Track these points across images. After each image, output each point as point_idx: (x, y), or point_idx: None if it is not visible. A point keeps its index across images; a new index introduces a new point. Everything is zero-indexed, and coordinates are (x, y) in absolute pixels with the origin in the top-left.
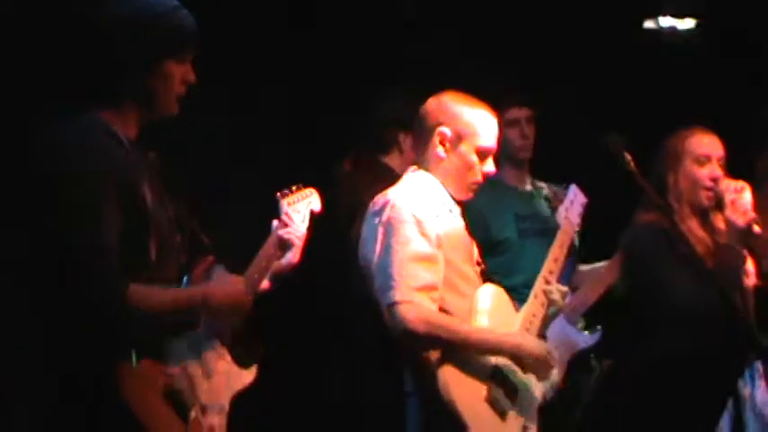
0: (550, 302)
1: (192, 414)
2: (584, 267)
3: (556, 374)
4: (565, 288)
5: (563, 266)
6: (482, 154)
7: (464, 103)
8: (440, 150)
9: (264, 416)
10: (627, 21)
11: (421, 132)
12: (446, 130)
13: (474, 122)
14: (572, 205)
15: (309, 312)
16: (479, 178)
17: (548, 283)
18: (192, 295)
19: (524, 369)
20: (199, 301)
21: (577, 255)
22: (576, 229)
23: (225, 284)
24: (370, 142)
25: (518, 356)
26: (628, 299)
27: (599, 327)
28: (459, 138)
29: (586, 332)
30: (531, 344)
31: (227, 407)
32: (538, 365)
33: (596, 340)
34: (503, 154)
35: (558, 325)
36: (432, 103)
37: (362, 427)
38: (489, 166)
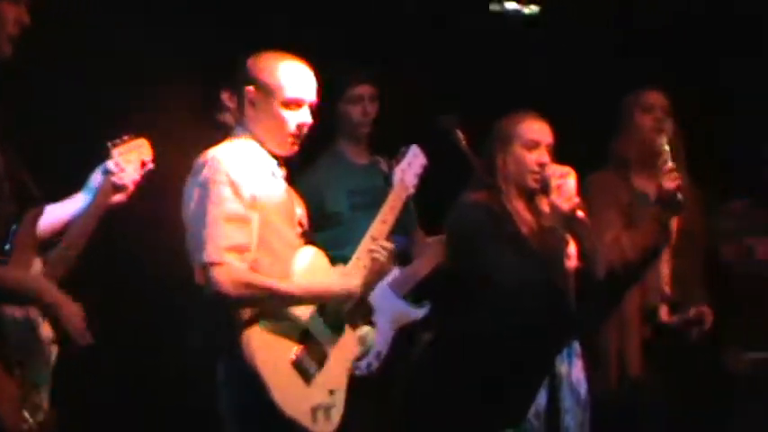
0: (374, 262)
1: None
2: (431, 239)
3: (383, 344)
4: (390, 245)
5: (392, 228)
6: (291, 105)
7: (271, 59)
8: (250, 108)
9: (92, 380)
10: (473, 3)
11: (237, 92)
12: (252, 87)
13: (279, 75)
14: (409, 167)
15: (140, 272)
16: (293, 130)
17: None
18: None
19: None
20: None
21: (413, 226)
22: (411, 191)
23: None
24: (204, 101)
25: (330, 300)
26: (454, 274)
27: (427, 301)
28: (266, 93)
29: (415, 305)
30: (334, 287)
31: None
32: (347, 304)
33: (425, 314)
34: (342, 129)
35: (388, 297)
36: (243, 63)
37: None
38: (303, 117)
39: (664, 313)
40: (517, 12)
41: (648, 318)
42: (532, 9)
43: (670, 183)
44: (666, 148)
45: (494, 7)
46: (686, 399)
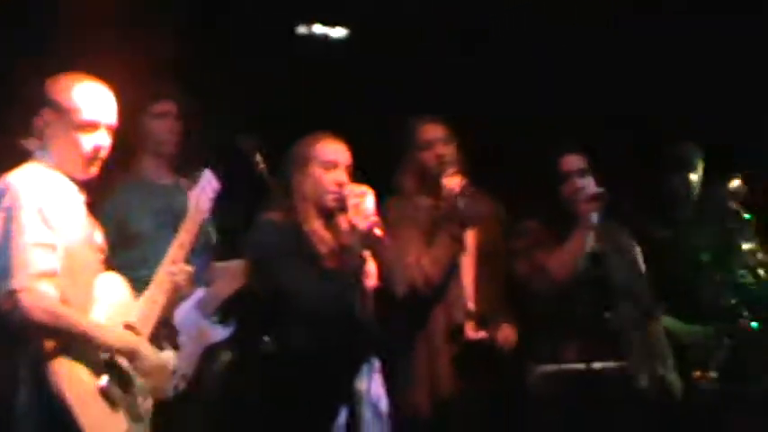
0: (174, 286)
1: None
2: (220, 264)
3: (188, 365)
4: (189, 268)
5: (189, 252)
6: (87, 127)
7: (67, 81)
8: (47, 131)
9: None
10: (280, 26)
11: (35, 115)
12: (48, 110)
13: (74, 97)
14: (203, 191)
15: None
16: (89, 153)
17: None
18: None
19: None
20: None
21: (212, 248)
22: (205, 215)
23: None
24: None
25: (133, 360)
26: (254, 294)
27: (232, 321)
28: (61, 115)
29: (220, 325)
30: (148, 352)
31: None
32: (152, 372)
33: (229, 334)
34: (146, 146)
35: (193, 317)
36: (39, 87)
37: None
38: (99, 140)
39: (469, 330)
40: (325, 35)
41: (454, 335)
42: (340, 32)
43: (448, 195)
44: (450, 177)
45: (301, 30)
46: (494, 413)
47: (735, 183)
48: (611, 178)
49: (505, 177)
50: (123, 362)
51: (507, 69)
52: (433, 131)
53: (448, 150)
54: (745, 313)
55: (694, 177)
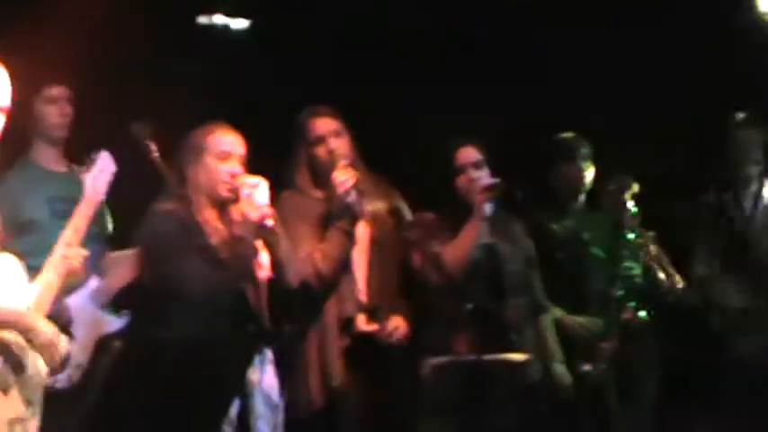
0: (69, 269)
1: None
2: (114, 254)
3: (82, 355)
4: (84, 251)
5: (85, 235)
6: None
7: None
8: None
9: None
10: (181, 16)
11: None
12: None
13: None
14: (100, 173)
15: None
16: None
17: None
18: None
19: (33, 347)
20: None
21: (107, 237)
22: (101, 198)
23: None
24: None
25: (27, 336)
26: (148, 285)
27: (126, 311)
28: None
29: (114, 315)
30: (43, 327)
31: None
32: (45, 348)
33: (124, 323)
34: (38, 131)
35: (87, 307)
36: None
37: None
38: None
39: (361, 322)
40: (226, 25)
41: (346, 327)
42: (241, 23)
43: (340, 190)
44: (342, 170)
45: (202, 20)
46: (386, 405)
47: (623, 176)
48: (505, 170)
49: (400, 169)
50: (14, 344)
51: (404, 61)
52: (325, 125)
53: (340, 144)
54: (633, 304)
55: (585, 169)
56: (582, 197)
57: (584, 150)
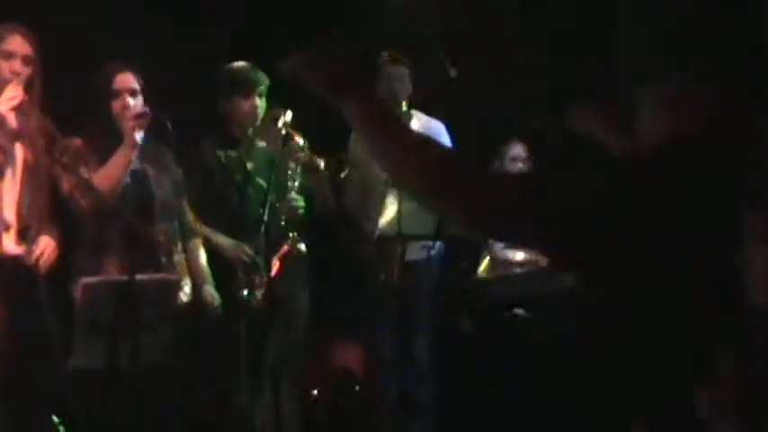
0: None
1: None
2: None
3: None
4: None
5: None
6: None
7: None
8: None
9: None
10: None
11: None
12: None
13: None
14: None
15: None
16: None
17: None
18: None
19: None
20: None
21: None
22: None
23: None
24: None
25: None
26: None
27: None
28: None
29: None
30: None
31: None
32: None
33: None
34: None
35: None
36: None
37: None
38: None
39: (7, 243)
40: None
41: None
42: None
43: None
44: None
45: None
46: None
47: (276, 107)
48: (172, 98)
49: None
50: None
51: None
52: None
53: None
54: (295, 235)
55: (257, 103)
56: (251, 129)
57: (259, 84)
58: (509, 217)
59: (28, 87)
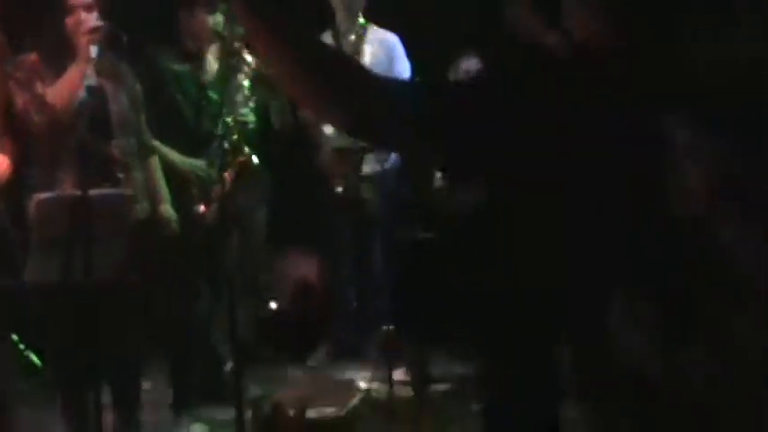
0: None
1: None
2: None
3: None
4: None
5: None
6: None
7: None
8: None
9: None
10: None
11: None
12: None
13: None
14: None
15: None
16: None
17: None
18: None
19: None
20: None
21: None
22: None
23: None
24: None
25: None
26: None
27: None
28: None
29: None
30: None
31: None
32: None
33: None
34: None
35: None
36: None
37: None
38: None
39: None
40: None
41: None
42: None
43: None
44: None
45: None
46: None
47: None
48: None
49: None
50: None
51: None
52: None
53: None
54: (247, 149)
55: (213, 19)
56: (209, 44)
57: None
58: (393, 120)
59: None
